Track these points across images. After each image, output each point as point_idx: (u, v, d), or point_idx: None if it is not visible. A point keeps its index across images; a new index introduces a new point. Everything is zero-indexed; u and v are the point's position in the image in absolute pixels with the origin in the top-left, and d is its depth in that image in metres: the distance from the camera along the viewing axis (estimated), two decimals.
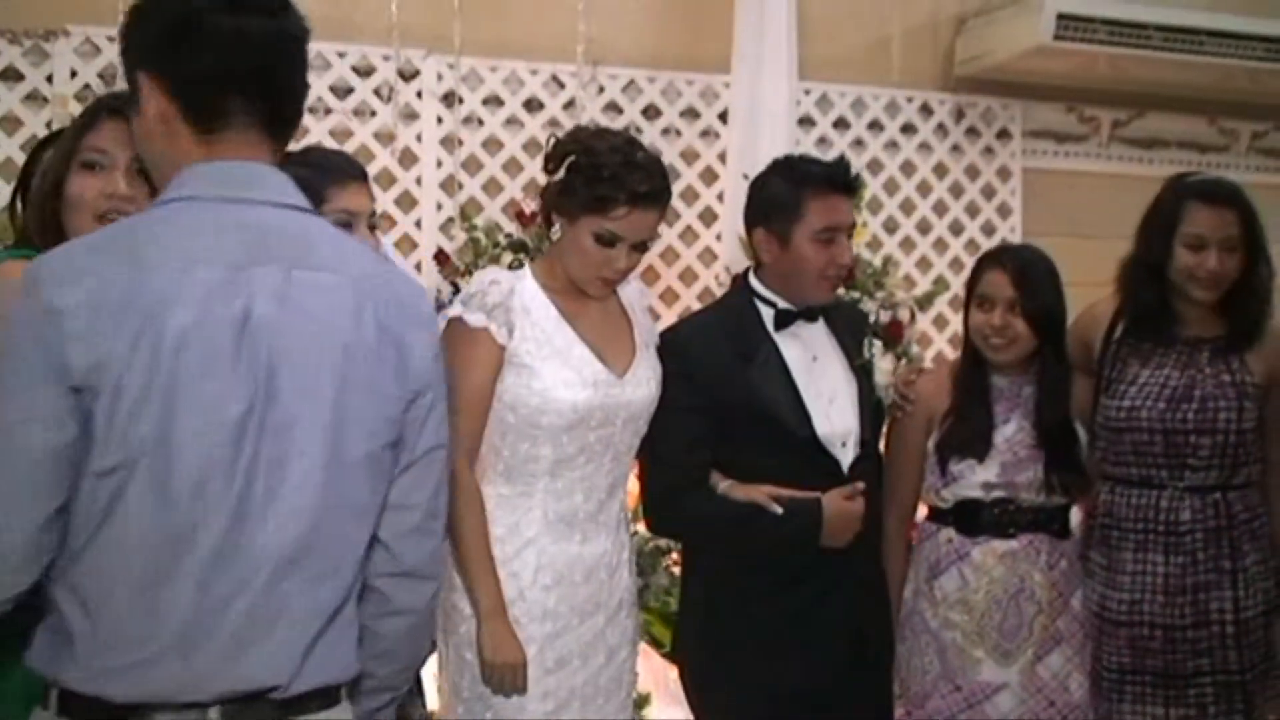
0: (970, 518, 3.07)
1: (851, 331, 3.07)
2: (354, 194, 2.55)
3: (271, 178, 1.84)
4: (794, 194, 2.86)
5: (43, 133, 4.10)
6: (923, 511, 3.21)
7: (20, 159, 4.12)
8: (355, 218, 2.53)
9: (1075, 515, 3.18)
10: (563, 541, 2.71)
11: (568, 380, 2.67)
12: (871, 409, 3.01)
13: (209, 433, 1.68)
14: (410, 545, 1.89)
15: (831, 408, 2.90)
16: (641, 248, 2.73)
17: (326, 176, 2.55)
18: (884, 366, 3.13)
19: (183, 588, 1.68)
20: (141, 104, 1.82)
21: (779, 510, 2.76)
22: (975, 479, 3.05)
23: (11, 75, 4.25)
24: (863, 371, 3.01)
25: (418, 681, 2.70)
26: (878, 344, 3.15)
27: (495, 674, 2.61)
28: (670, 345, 2.91)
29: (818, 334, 2.96)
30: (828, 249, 2.87)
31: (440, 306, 3.36)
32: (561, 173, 2.68)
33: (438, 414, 1.89)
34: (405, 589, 1.91)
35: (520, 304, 2.69)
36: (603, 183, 2.63)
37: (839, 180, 2.89)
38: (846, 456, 2.89)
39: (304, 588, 1.75)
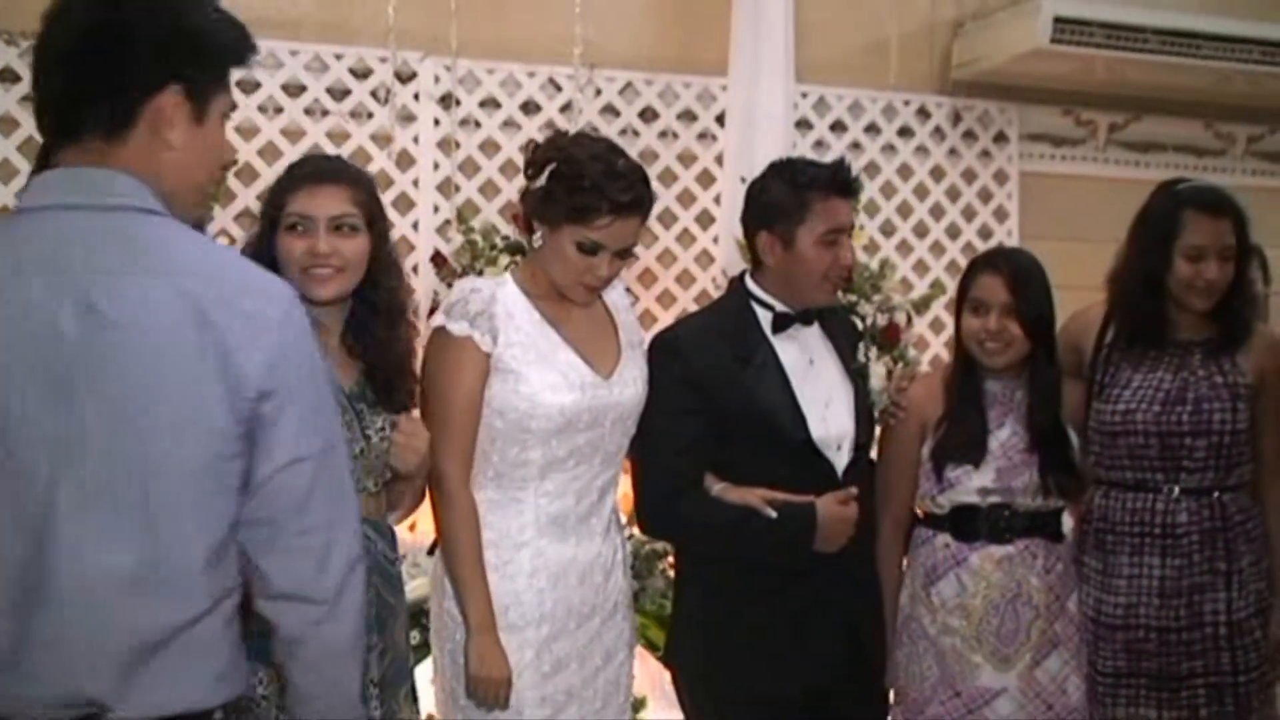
0: (967, 523, 3.07)
1: (846, 335, 3.08)
2: (308, 198, 2.52)
3: (101, 180, 1.76)
4: (797, 197, 2.87)
5: (38, 134, 4.09)
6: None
7: (17, 160, 4.15)
8: (308, 221, 2.50)
9: (1068, 520, 3.18)
10: (556, 544, 2.71)
11: (554, 384, 2.67)
12: (866, 413, 3.01)
13: (4, 453, 1.66)
14: (276, 565, 1.79)
15: (828, 411, 2.90)
16: (624, 254, 2.73)
17: (289, 182, 2.57)
18: (878, 371, 3.13)
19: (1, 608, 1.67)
20: None
21: (773, 514, 2.76)
22: (971, 484, 3.04)
23: (8, 77, 4.23)
24: (858, 375, 3.01)
25: (412, 688, 2.68)
26: (872, 349, 3.15)
27: (480, 688, 2.62)
28: (666, 347, 2.91)
29: (814, 337, 2.96)
30: (832, 250, 2.87)
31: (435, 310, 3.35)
32: (543, 180, 2.68)
33: (292, 422, 1.76)
34: (284, 614, 1.81)
35: (503, 310, 2.69)
36: (584, 192, 2.63)
37: (841, 182, 2.90)
38: (841, 460, 2.89)
39: (126, 606, 1.68)
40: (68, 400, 1.67)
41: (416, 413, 2.67)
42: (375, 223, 2.58)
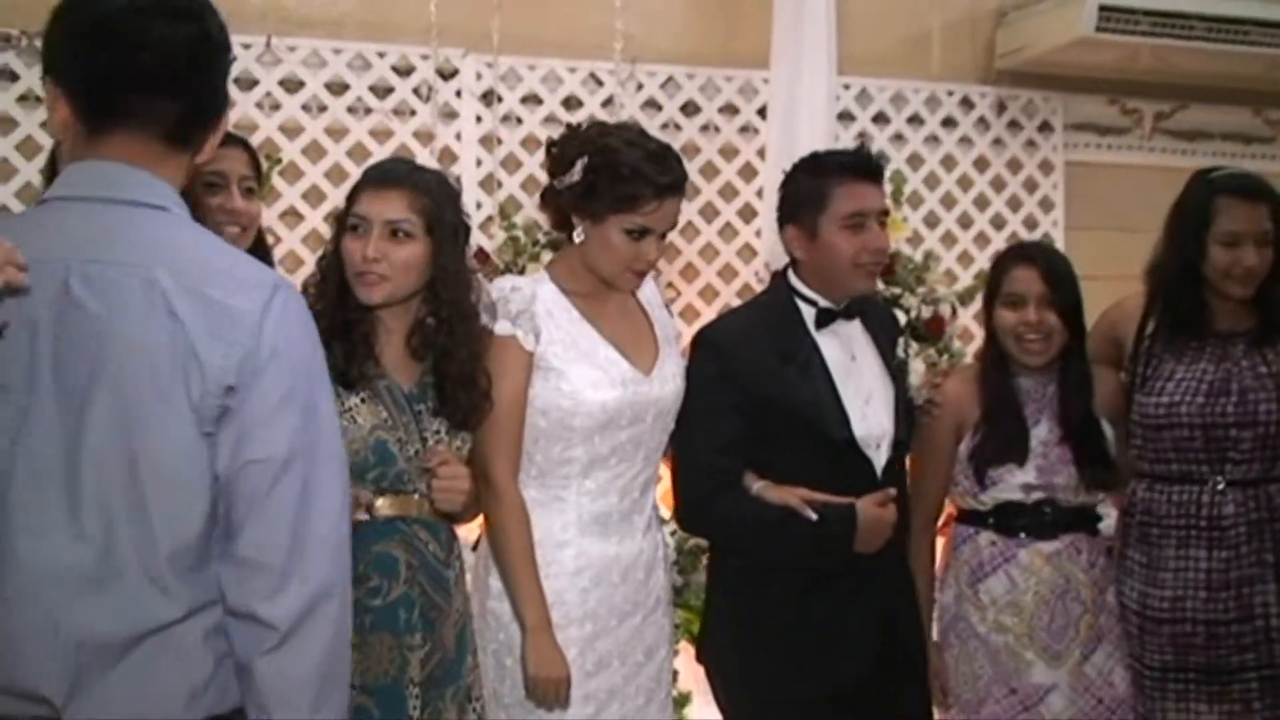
0: (1011, 520, 3.06)
1: (885, 329, 3.06)
2: (368, 200, 2.56)
3: (114, 175, 1.75)
4: (818, 185, 2.86)
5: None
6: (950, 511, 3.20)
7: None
8: (365, 223, 2.55)
9: (1111, 514, 3.16)
10: (599, 543, 2.72)
11: (596, 381, 2.68)
12: (904, 410, 2.99)
13: None
14: (228, 576, 1.68)
15: (868, 408, 2.88)
16: (665, 235, 2.75)
17: (359, 184, 2.62)
18: (917, 368, 3.10)
19: None
20: (50, 109, 1.81)
21: (814, 516, 2.74)
22: (1015, 482, 3.04)
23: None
24: (898, 371, 3.00)
25: (464, 688, 2.66)
26: (913, 345, 3.12)
27: (539, 688, 2.61)
28: (710, 343, 2.90)
29: (855, 332, 2.95)
30: (858, 235, 2.84)
31: None
32: (577, 175, 2.68)
33: (256, 420, 1.67)
34: (237, 635, 1.70)
35: (543, 308, 2.70)
36: (626, 180, 2.64)
37: (862, 165, 2.89)
38: (880, 459, 2.87)
39: (79, 604, 1.63)
40: (30, 385, 1.65)
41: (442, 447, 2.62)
42: (436, 230, 2.57)
